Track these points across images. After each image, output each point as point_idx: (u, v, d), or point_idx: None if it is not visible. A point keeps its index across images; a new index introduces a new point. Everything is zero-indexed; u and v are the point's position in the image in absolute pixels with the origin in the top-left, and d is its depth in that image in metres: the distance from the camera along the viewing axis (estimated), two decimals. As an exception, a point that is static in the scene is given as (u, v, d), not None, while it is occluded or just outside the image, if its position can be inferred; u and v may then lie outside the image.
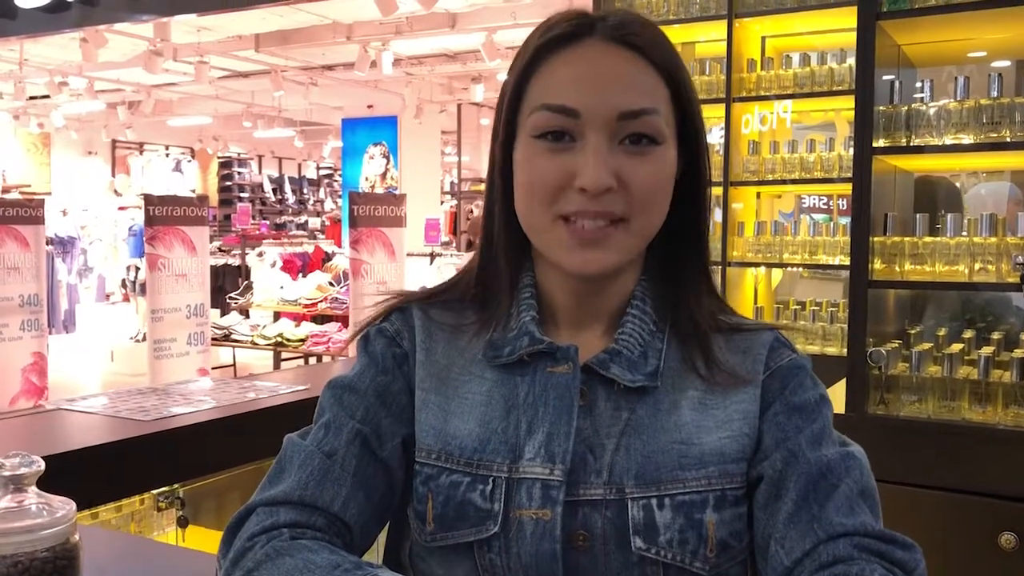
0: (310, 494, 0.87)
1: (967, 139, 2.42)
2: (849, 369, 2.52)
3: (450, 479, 0.90)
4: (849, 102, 2.70)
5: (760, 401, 0.92)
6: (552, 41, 0.88)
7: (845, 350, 2.64)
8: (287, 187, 17.20)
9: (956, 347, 2.50)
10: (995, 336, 2.60)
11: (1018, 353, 2.39)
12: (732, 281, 3.26)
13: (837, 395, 2.51)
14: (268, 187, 16.79)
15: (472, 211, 12.10)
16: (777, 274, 3.56)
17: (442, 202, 13.42)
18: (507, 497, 0.88)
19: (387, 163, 11.63)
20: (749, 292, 3.42)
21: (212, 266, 7.10)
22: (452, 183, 14.55)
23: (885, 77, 2.57)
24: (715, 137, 3.29)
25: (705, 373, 0.92)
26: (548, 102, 0.86)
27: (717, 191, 3.20)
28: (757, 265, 3.28)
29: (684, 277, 0.96)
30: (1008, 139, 2.36)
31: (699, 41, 3.46)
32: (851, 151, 2.64)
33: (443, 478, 0.90)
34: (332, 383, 0.96)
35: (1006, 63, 2.87)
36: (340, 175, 13.84)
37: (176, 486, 2.00)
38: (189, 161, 15.74)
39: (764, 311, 3.37)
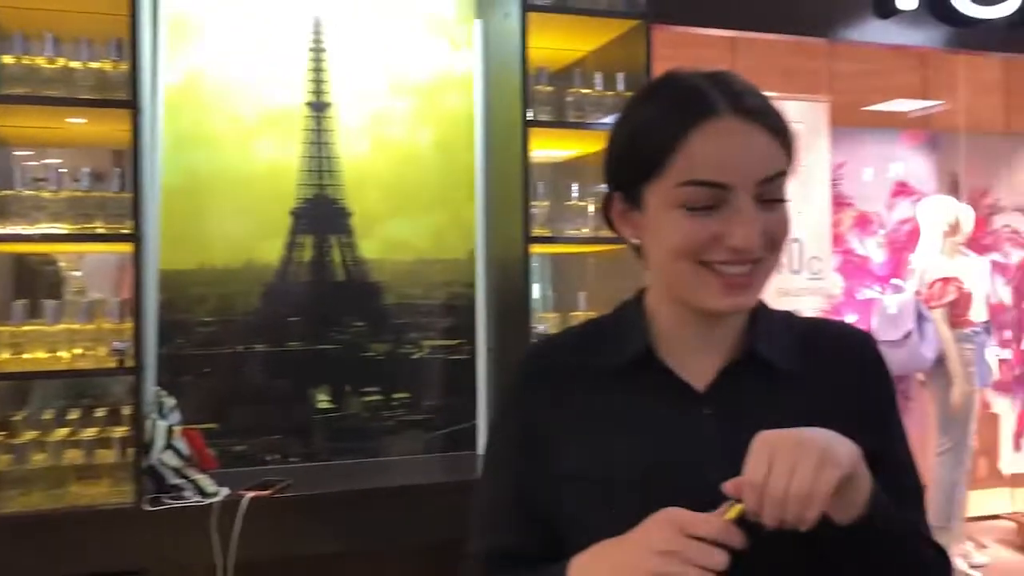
0: None
1: (64, 227, 2.47)
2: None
3: None
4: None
5: None
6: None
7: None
8: None
9: (61, 432, 2.51)
10: (100, 414, 2.68)
11: (118, 432, 2.51)
12: None
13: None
14: None
15: None
16: None
17: None
18: None
19: None
20: None
21: None
22: None
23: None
24: None
25: None
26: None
27: None
28: None
29: None
30: (103, 230, 2.49)
31: None
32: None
33: None
34: None
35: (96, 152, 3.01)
36: None
37: None
38: None
39: None
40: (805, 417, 0.90)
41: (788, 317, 1.10)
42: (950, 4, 3.69)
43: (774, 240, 0.96)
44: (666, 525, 0.85)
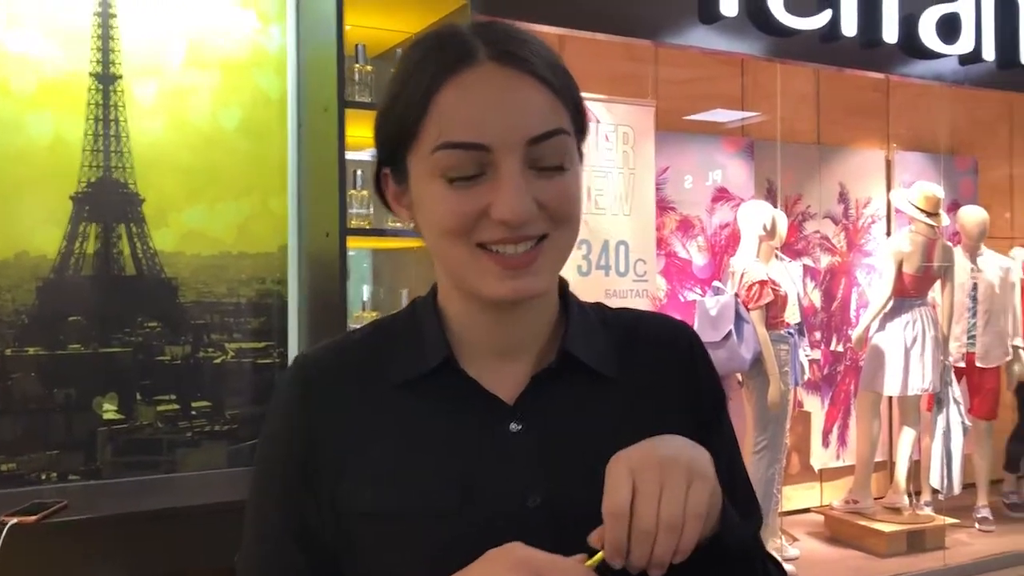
0: None
1: None
2: None
3: None
4: None
5: None
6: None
7: None
8: None
9: None
10: None
11: None
12: None
13: None
14: None
15: None
16: None
17: None
18: None
19: None
20: None
21: None
22: None
23: None
24: None
25: None
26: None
27: None
28: None
29: None
30: None
31: None
32: None
33: None
34: None
35: None
36: None
37: None
38: None
39: None
40: (630, 424, 0.80)
41: (602, 311, 0.96)
42: (768, 13, 3.77)
43: (556, 212, 0.81)
44: (520, 571, 0.68)
